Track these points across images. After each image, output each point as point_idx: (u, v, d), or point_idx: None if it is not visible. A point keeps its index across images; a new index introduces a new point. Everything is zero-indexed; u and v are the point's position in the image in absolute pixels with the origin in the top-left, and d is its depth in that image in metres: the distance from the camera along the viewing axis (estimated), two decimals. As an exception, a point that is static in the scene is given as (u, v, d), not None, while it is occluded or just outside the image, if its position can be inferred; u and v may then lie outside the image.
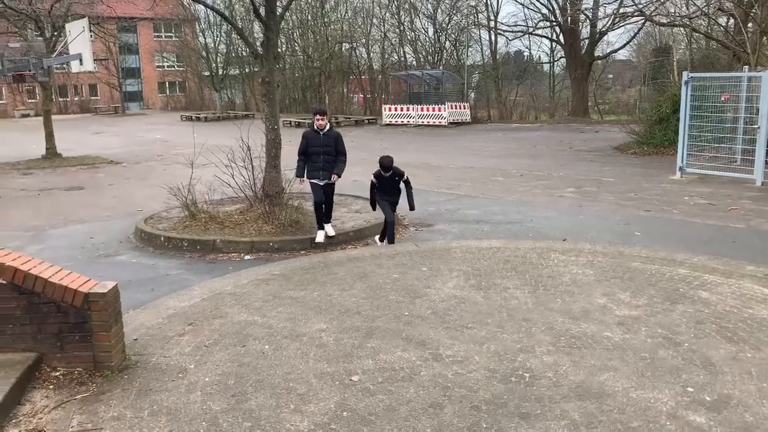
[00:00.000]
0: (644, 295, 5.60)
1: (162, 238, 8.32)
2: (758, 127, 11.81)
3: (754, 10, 19.14)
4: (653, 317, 5.06)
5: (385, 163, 7.83)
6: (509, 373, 4.12)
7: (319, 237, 8.09)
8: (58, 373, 4.15)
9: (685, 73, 13.21)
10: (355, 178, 11.36)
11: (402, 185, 8.06)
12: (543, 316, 5.11)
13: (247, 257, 7.68)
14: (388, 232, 7.97)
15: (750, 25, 19.62)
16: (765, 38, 19.68)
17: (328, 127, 7.98)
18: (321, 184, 7.98)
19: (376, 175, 7.99)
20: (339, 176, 8.01)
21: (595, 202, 10.57)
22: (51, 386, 4.04)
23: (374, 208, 8.36)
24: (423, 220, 9.37)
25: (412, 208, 7.98)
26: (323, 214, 8.18)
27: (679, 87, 13.70)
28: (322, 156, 7.91)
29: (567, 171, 14.10)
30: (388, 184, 8.00)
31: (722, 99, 13.59)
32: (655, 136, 17.09)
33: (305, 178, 8.03)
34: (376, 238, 8.25)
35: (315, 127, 7.96)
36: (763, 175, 11.68)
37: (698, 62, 26.42)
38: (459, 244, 7.63)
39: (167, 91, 56.56)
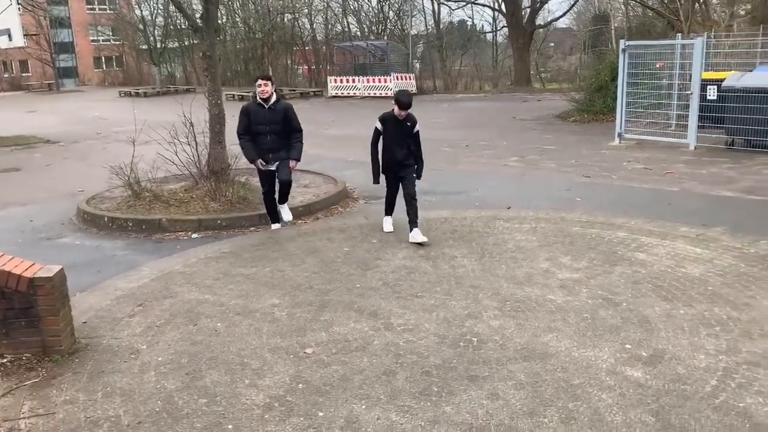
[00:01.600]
0: (585, 258, 5.83)
1: (106, 219, 8.14)
2: (691, 93, 12.26)
3: (686, -21, 19.71)
4: (593, 279, 5.29)
5: (404, 99, 6.29)
6: (458, 338, 4.26)
7: (275, 227, 7.33)
8: (5, 360, 4.08)
9: (622, 42, 13.55)
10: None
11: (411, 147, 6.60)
12: (489, 283, 5.28)
13: (194, 236, 7.60)
14: (387, 206, 6.94)
15: (683, -7, 20.20)
16: (696, 6, 20.32)
17: (274, 98, 6.83)
18: (270, 168, 6.94)
19: (384, 119, 6.43)
20: (298, 161, 7.03)
21: (538, 170, 10.83)
22: (-2, 373, 3.98)
23: (377, 179, 6.68)
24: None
25: (419, 176, 6.73)
26: (274, 207, 7.25)
27: (617, 55, 14.06)
28: (269, 135, 6.81)
29: (511, 140, 14.36)
30: (397, 135, 6.41)
31: (657, 66, 14.04)
32: (594, 104, 17.51)
33: (260, 160, 6.93)
34: (384, 222, 7.04)
35: (258, 98, 6.81)
36: (696, 140, 12.16)
37: (635, 30, 27.10)
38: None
39: (104, 66, 54.53)
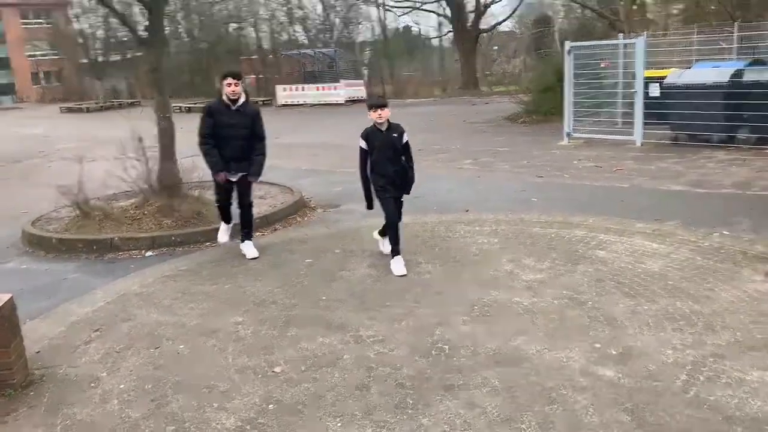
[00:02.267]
0: (547, 258, 5.88)
1: (54, 241, 7.81)
2: (635, 91, 12.59)
3: (624, -20, 20.28)
4: (557, 279, 5.33)
5: (375, 100, 5.79)
6: (429, 347, 4.22)
7: (223, 237, 6.78)
8: (-47, 398, 3.84)
9: (567, 43, 13.82)
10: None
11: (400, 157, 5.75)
12: (456, 288, 5.26)
13: (148, 254, 7.36)
14: (391, 235, 5.83)
15: (621, -7, 20.78)
16: (635, 6, 20.93)
17: (243, 99, 6.07)
18: (233, 179, 6.26)
19: (366, 135, 5.64)
20: (258, 177, 6.37)
21: (492, 171, 10.92)
22: (-53, 413, 3.73)
23: (371, 205, 5.83)
24: (330, 201, 9.34)
25: (407, 191, 5.93)
26: (228, 211, 6.66)
27: (563, 56, 14.33)
28: (234, 141, 6.06)
29: (463, 143, 14.46)
30: (386, 150, 5.60)
31: (602, 66, 14.38)
32: (542, 105, 17.81)
33: (225, 173, 6.20)
34: (379, 241, 6.30)
35: (226, 98, 6.01)
36: (642, 136, 12.48)
37: (577, 31, 27.72)
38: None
39: (42, 81, 52.71)
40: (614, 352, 4.00)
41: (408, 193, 5.92)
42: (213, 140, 6.06)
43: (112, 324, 4.92)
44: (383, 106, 5.59)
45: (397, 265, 5.70)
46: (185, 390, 3.84)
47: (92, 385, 3.97)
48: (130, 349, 4.45)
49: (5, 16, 48.69)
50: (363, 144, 5.66)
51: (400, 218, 5.84)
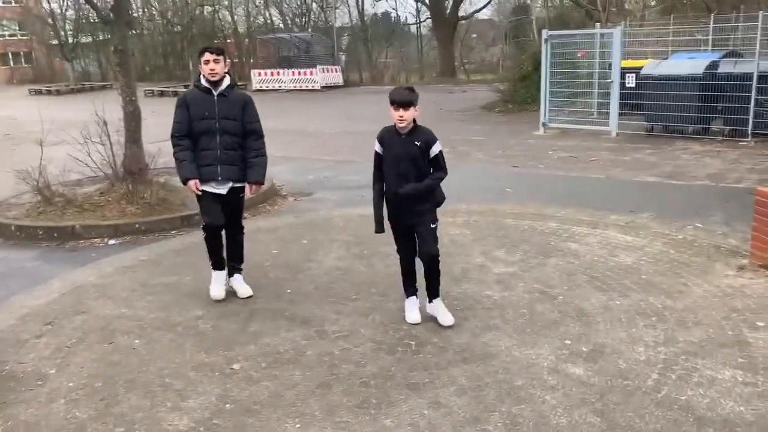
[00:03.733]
0: (519, 250, 5.76)
1: (13, 228, 7.52)
2: (611, 81, 12.54)
3: (602, -30, 20.21)
4: (528, 272, 5.21)
5: (398, 95, 4.11)
6: (395, 343, 4.08)
7: (216, 290, 4.91)
8: None
9: (544, 32, 13.72)
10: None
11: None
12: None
13: (111, 242, 7.11)
14: (405, 279, 4.49)
15: (599, -17, 20.72)
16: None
17: (228, 81, 4.68)
18: (219, 191, 4.70)
19: (381, 137, 4.27)
20: (261, 185, 4.90)
21: (467, 161, 10.79)
22: None
23: (380, 227, 4.30)
24: (302, 189, 9.14)
25: (423, 220, 4.26)
26: (220, 248, 4.93)
27: (540, 45, 14.23)
28: (220, 137, 4.60)
29: (439, 132, 14.08)
30: (401, 161, 4.15)
31: (579, 56, 14.30)
32: (518, 94, 17.73)
33: (197, 181, 4.62)
34: (407, 309, 4.48)
35: (203, 81, 4.62)
36: (618, 126, 12.45)
37: (554, 20, 27.67)
38: (339, 212, 7.51)
39: (11, 63, 51.37)
40: (585, 349, 3.90)
41: (431, 224, 4.26)
42: (188, 139, 4.62)
43: (66, 317, 4.70)
44: (406, 104, 4.04)
45: (411, 311, 4.41)
46: (138, 388, 3.65)
47: (39, 382, 3.76)
48: (82, 344, 4.23)
49: (-28, -5, 47.33)
50: (377, 147, 4.25)
51: (437, 252, 4.27)
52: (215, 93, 4.65)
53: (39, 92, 34.98)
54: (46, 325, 4.58)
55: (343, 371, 3.75)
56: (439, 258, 4.29)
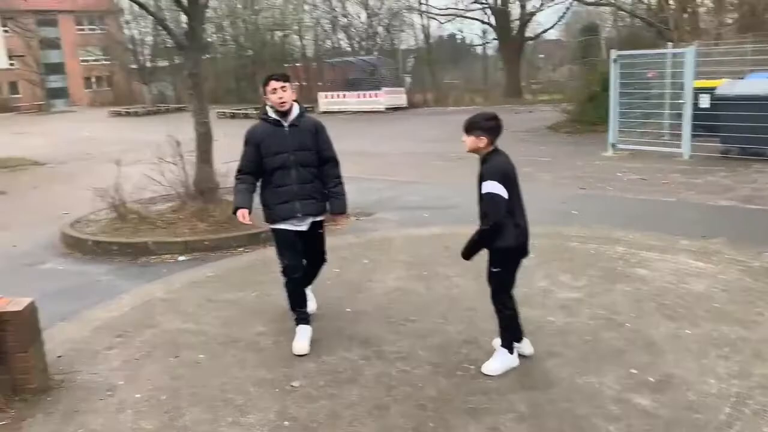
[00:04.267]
0: (584, 275, 5.62)
1: (90, 243, 7.90)
2: (684, 102, 12.14)
3: (675, -12, 19.71)
4: (594, 298, 5.07)
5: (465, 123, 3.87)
6: (454, 366, 4.03)
7: (301, 345, 4.34)
8: (-29, 401, 3.83)
9: (613, 52, 13.46)
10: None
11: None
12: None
13: (181, 258, 7.36)
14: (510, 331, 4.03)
15: (671, 2, 20.21)
16: (686, 15, 20.33)
17: (297, 110, 4.34)
18: (300, 228, 4.38)
19: (504, 172, 3.80)
20: (343, 214, 4.57)
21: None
22: (-36, 416, 3.72)
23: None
24: (363, 209, 9.22)
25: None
26: (305, 299, 4.59)
27: (608, 65, 13.95)
28: (295, 171, 4.27)
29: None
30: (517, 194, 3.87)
31: (649, 76, 13.94)
32: (586, 114, 17.39)
33: (246, 211, 4.32)
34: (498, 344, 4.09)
35: (271, 113, 4.32)
36: (691, 149, 12.02)
37: (624, 40, 27.11)
38: (399, 232, 7.53)
39: (94, 86, 54.31)
40: (652, 379, 3.75)
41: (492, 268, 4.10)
42: (252, 176, 4.37)
43: (135, 330, 4.88)
44: (465, 129, 3.84)
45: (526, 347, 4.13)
46: (201, 402, 3.75)
47: (109, 393, 3.91)
48: (150, 357, 4.39)
49: (62, 23, 50.31)
50: (500, 189, 3.73)
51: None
52: (286, 124, 4.29)
53: (118, 114, 36.77)
54: (116, 337, 4.77)
55: (401, 393, 3.73)
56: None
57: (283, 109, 4.27)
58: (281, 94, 4.24)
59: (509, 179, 3.77)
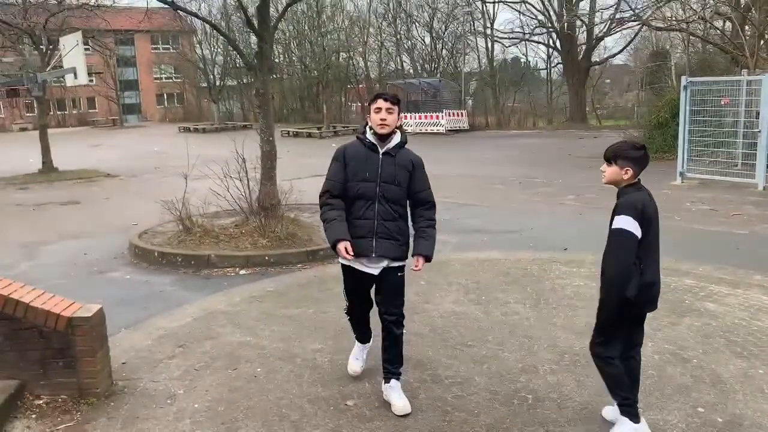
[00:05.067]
0: (649, 307, 5.43)
1: (156, 254, 8.16)
2: (759, 131, 11.69)
3: (751, 14, 19.07)
4: (659, 332, 4.89)
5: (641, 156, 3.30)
6: (511, 394, 3.95)
7: (355, 365, 4.26)
8: (41, 402, 3.98)
9: (684, 78, 13.10)
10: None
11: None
12: (545, 332, 4.95)
13: (242, 272, 7.52)
14: (626, 387, 3.42)
15: (747, 28, 19.55)
16: (762, 42, 19.61)
17: (398, 139, 3.89)
18: (371, 271, 3.85)
19: (641, 209, 3.24)
20: (429, 260, 3.90)
21: (595, 209, 10.40)
22: (33, 415, 3.87)
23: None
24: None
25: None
26: (366, 322, 4.20)
27: (678, 92, 13.59)
28: (378, 204, 3.80)
29: (566, 178, 13.96)
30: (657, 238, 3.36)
31: (722, 103, 13.48)
32: (654, 141, 16.93)
33: (348, 243, 3.68)
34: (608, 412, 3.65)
35: (369, 132, 3.85)
36: (765, 180, 11.54)
37: (696, 66, 26.35)
38: (458, 255, 7.48)
39: (165, 102, 56.53)
40: (720, 420, 3.58)
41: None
42: (341, 200, 3.84)
43: (196, 341, 4.99)
44: (641, 162, 3.30)
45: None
46: (256, 416, 3.79)
47: (168, 401, 4.00)
48: (209, 368, 4.47)
49: (138, 42, 52.68)
50: (633, 226, 3.20)
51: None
52: (381, 151, 3.83)
53: (187, 130, 38.05)
54: (178, 347, 4.89)
55: (456, 419, 3.68)
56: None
57: (382, 131, 3.81)
58: (385, 116, 3.80)
59: (647, 219, 3.23)
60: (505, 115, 36.35)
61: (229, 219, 9.36)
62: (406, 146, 3.93)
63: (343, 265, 3.94)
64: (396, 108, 3.85)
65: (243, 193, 8.84)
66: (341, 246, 3.66)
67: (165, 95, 56.36)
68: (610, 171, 3.37)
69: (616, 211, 3.26)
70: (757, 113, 11.99)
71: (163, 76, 55.00)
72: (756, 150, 11.78)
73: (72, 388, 4.00)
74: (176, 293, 6.77)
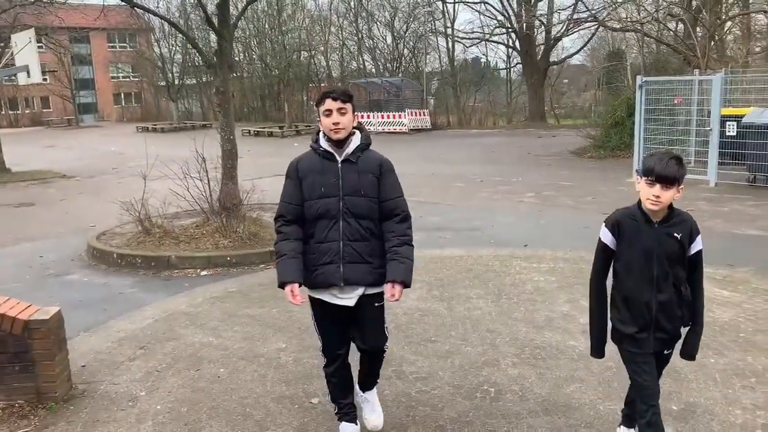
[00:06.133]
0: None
1: (115, 255, 8.01)
2: (710, 129, 12.05)
3: (702, 15, 19.66)
4: (617, 324, 5.01)
5: (666, 170, 2.83)
6: (474, 388, 4.01)
7: None
8: (-3, 407, 3.89)
9: (639, 78, 13.43)
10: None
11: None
12: (507, 327, 5.03)
13: (203, 273, 7.44)
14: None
15: (699, 29, 20.14)
16: (713, 42, 20.23)
17: (358, 140, 3.29)
18: (344, 303, 3.26)
19: (617, 221, 3.05)
20: (406, 285, 3.25)
21: (554, 206, 10.60)
22: (-11, 422, 3.78)
23: (600, 351, 3.21)
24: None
25: (694, 352, 3.14)
26: (349, 384, 3.55)
27: (634, 91, 13.92)
28: (343, 222, 3.20)
29: (526, 176, 14.17)
30: (650, 259, 2.94)
31: (675, 102, 13.88)
32: (610, 140, 17.33)
33: (295, 286, 3.19)
34: None
35: (324, 139, 3.27)
36: (717, 176, 11.90)
37: (650, 66, 27.01)
38: (421, 253, 7.47)
39: (123, 102, 55.39)
40: (675, 408, 3.69)
41: (693, 356, 3.16)
42: (297, 225, 3.28)
43: (157, 342, 4.93)
44: (672, 181, 2.82)
45: None
46: (220, 416, 3.77)
47: (130, 404, 3.95)
48: (171, 369, 4.42)
49: (94, 40, 51.46)
50: (607, 236, 3.04)
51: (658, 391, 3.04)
52: (339, 158, 3.23)
53: (146, 129, 37.39)
54: (139, 349, 4.82)
55: (420, 413, 3.72)
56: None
57: (337, 136, 3.20)
58: (337, 119, 3.18)
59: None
60: (467, 115, 36.71)
61: (190, 219, 9.25)
62: (370, 147, 3.34)
63: (311, 297, 3.33)
64: (349, 106, 3.21)
65: (203, 193, 8.73)
66: (287, 290, 3.17)
67: (122, 94, 55.21)
68: (670, 195, 2.85)
69: (689, 228, 2.98)
70: (709, 112, 12.38)
71: (120, 74, 53.85)
72: (708, 147, 12.14)
73: (29, 393, 3.92)
74: (136, 295, 6.66)
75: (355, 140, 3.28)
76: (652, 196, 2.86)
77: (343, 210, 3.19)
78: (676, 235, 2.92)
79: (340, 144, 3.24)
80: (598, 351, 3.18)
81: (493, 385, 4.04)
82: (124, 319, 5.53)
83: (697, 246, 2.99)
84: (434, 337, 4.84)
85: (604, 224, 3.07)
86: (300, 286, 3.20)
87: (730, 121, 12.12)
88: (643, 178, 2.90)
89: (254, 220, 8.79)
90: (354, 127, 3.29)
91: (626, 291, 2.98)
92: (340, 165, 3.22)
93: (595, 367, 4.26)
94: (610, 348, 4.18)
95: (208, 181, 8.73)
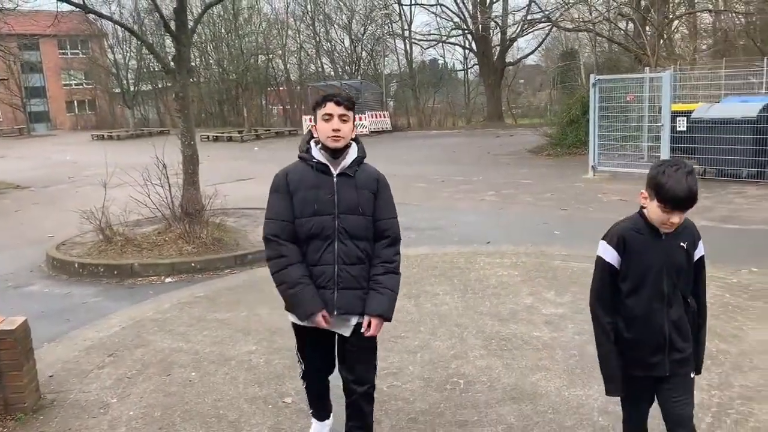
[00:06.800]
0: (568, 292, 5.75)
1: (76, 265, 7.88)
2: (661, 125, 12.45)
3: (651, 15, 20.27)
4: (579, 314, 5.19)
5: (689, 193, 2.56)
6: (444, 380, 4.11)
7: None
8: (-37, 420, 3.83)
9: (592, 76, 13.78)
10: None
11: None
12: (473, 320, 5.16)
13: (168, 280, 7.38)
14: None
15: (648, 28, 20.76)
16: (662, 41, 20.87)
17: (355, 153, 3.08)
18: (339, 331, 3.06)
19: (621, 236, 2.71)
20: (386, 319, 3.05)
21: (514, 204, 10.82)
22: (-44, 435, 3.72)
23: (618, 388, 2.73)
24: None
25: (698, 369, 2.84)
26: (326, 392, 3.42)
27: (587, 89, 14.29)
28: (339, 243, 2.94)
29: (486, 175, 14.40)
30: (659, 274, 2.64)
31: (628, 99, 14.30)
32: (567, 138, 17.72)
33: (324, 312, 2.93)
34: None
35: (317, 148, 3.02)
36: (669, 171, 12.29)
37: (603, 65, 27.67)
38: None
39: (76, 110, 54.05)
40: (636, 391, 3.85)
41: (699, 372, 2.86)
42: (295, 245, 2.96)
43: (126, 349, 4.90)
44: (689, 203, 2.59)
45: None
46: (194, 419, 3.78)
47: (102, 411, 3.93)
48: (142, 375, 4.41)
49: (44, 47, 50.14)
50: (611, 255, 2.73)
51: (691, 417, 2.82)
52: (335, 172, 2.97)
53: (101, 137, 36.61)
54: (108, 356, 4.79)
55: (392, 407, 3.80)
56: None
57: (336, 145, 2.93)
58: (338, 125, 2.91)
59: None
60: (426, 116, 37.01)
61: (152, 226, 9.14)
62: (364, 162, 3.08)
63: (294, 324, 3.08)
64: (351, 114, 2.96)
65: (165, 200, 8.65)
66: (319, 319, 2.89)
67: (75, 102, 53.89)
68: (679, 217, 2.63)
69: (693, 236, 2.78)
70: (660, 108, 12.78)
71: (73, 82, 52.56)
72: (660, 143, 12.54)
73: (-4, 405, 3.86)
74: (100, 304, 6.58)
75: (352, 152, 3.02)
76: (669, 223, 2.60)
77: (339, 230, 2.91)
78: (682, 244, 2.70)
79: (336, 155, 2.96)
80: (617, 388, 2.75)
81: (462, 377, 4.15)
82: (90, 328, 5.47)
83: (700, 252, 2.77)
84: (403, 333, 4.93)
85: (604, 241, 2.73)
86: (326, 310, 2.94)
87: (680, 116, 12.55)
88: (656, 201, 2.56)
89: (218, 225, 8.75)
90: (351, 139, 3.04)
91: (634, 311, 2.68)
92: (335, 179, 2.95)
93: (559, 355, 4.41)
94: (576, 336, 4.32)
95: (170, 187, 8.65)
